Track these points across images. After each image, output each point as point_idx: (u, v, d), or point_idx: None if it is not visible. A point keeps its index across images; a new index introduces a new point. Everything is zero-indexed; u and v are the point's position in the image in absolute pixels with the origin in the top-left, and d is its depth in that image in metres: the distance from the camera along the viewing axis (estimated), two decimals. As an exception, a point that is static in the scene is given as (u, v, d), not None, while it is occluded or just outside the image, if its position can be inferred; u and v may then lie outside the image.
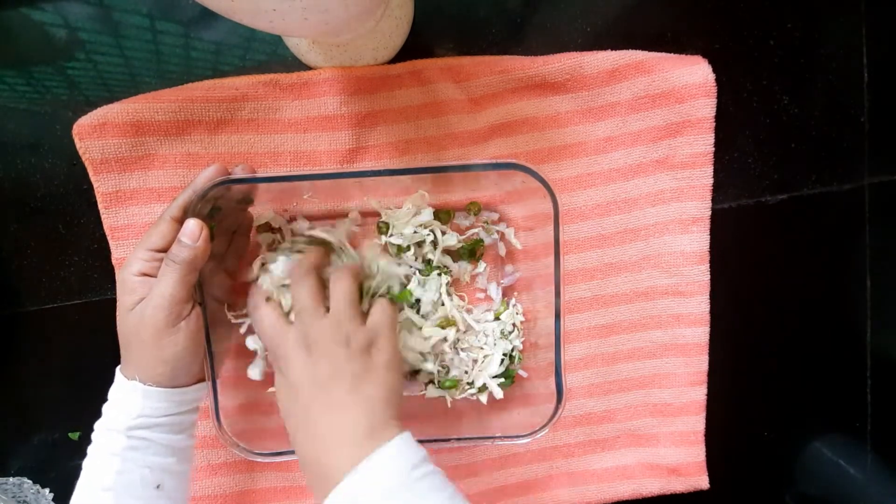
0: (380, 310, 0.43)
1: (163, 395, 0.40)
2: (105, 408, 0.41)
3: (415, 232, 0.49)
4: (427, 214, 0.49)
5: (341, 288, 0.41)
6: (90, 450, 0.40)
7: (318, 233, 0.46)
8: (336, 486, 0.35)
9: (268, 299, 0.44)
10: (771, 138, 0.54)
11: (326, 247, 0.46)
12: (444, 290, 0.49)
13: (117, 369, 0.42)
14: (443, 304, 0.49)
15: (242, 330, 0.48)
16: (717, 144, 0.52)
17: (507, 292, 0.53)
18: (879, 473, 0.60)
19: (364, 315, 0.42)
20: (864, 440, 0.60)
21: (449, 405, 0.51)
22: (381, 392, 0.39)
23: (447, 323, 0.49)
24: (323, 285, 0.43)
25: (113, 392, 0.41)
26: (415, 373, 0.50)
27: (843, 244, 0.57)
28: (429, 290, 0.49)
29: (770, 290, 0.57)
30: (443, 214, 0.51)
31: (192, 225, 0.40)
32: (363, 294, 0.44)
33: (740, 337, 0.56)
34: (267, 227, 0.50)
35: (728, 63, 0.52)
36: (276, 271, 0.44)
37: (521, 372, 0.52)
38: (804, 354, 0.58)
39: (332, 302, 0.41)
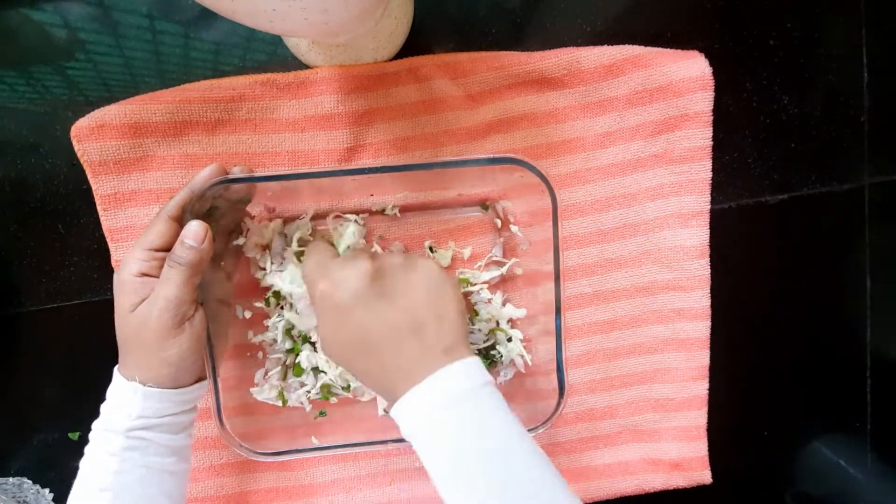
0: None
1: (163, 395, 0.40)
2: (103, 408, 0.41)
3: None
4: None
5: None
6: (88, 450, 0.40)
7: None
8: (409, 388, 0.37)
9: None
10: (771, 138, 0.54)
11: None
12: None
13: (115, 369, 0.41)
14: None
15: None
16: (716, 145, 0.52)
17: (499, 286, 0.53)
18: (879, 473, 0.60)
19: None
20: (864, 440, 0.60)
21: None
22: (449, 312, 0.40)
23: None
24: None
25: (111, 392, 0.41)
26: None
27: (843, 244, 0.57)
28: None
29: (770, 291, 0.57)
30: None
31: (196, 226, 0.40)
32: None
33: (740, 337, 0.56)
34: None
35: (728, 63, 0.51)
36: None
37: (520, 368, 0.52)
38: (804, 354, 0.58)
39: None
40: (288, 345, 0.50)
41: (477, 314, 0.52)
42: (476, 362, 0.38)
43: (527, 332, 0.52)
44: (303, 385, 0.51)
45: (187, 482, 0.44)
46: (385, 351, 0.38)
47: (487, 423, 0.37)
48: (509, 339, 0.52)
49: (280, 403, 0.50)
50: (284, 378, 0.51)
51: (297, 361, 0.50)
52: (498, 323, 0.52)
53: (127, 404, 0.40)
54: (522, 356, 0.51)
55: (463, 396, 0.37)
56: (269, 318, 0.50)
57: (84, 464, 0.40)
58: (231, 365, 0.50)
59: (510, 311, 0.52)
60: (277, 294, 0.50)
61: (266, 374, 0.51)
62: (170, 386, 0.40)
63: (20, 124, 0.49)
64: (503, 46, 0.50)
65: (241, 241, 0.48)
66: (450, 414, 0.36)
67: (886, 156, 0.55)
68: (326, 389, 0.50)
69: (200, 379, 0.43)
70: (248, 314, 0.50)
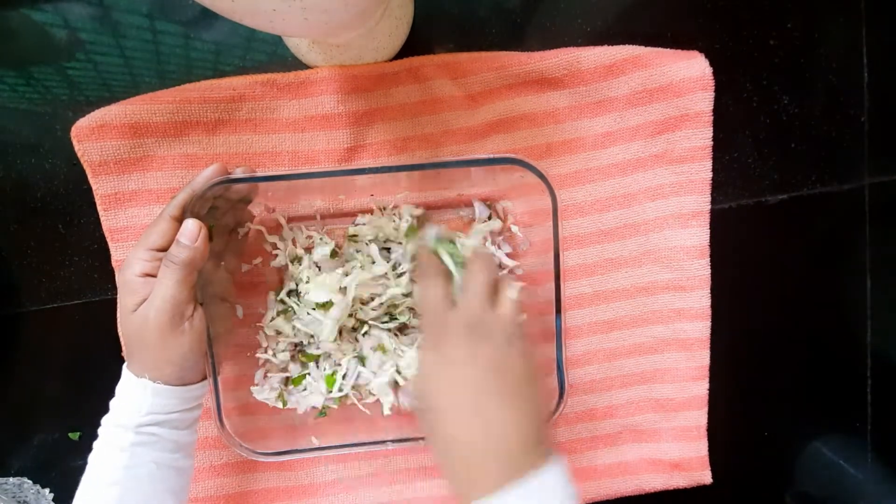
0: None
1: (171, 392, 0.40)
2: (112, 403, 0.41)
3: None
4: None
5: (512, 288, 0.40)
6: (96, 444, 0.40)
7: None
8: (487, 495, 0.33)
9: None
10: (771, 138, 0.54)
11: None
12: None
13: (124, 366, 0.42)
14: None
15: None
16: (716, 144, 0.52)
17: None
18: (879, 473, 0.60)
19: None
20: (864, 440, 0.60)
21: None
22: (538, 398, 0.38)
23: None
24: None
25: (121, 388, 0.41)
26: None
27: (843, 244, 0.57)
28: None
29: (770, 291, 0.57)
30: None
31: (191, 225, 0.40)
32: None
33: (740, 338, 0.56)
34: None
35: (728, 63, 0.51)
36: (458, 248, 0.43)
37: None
38: (804, 354, 0.58)
39: (506, 301, 0.40)
40: (295, 369, 0.50)
41: None
42: (560, 473, 0.35)
43: (527, 333, 0.52)
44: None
45: (190, 479, 0.44)
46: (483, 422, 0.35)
47: None
48: None
49: (280, 405, 0.50)
50: (286, 384, 0.51)
51: (302, 374, 0.50)
52: None
53: (137, 400, 0.40)
54: None
55: None
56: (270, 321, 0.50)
57: (93, 458, 0.40)
58: (231, 365, 0.50)
59: None
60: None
61: (266, 374, 0.51)
62: (176, 383, 0.41)
63: (20, 124, 0.49)
64: (503, 46, 0.50)
65: (279, 259, 0.47)
66: None
67: (886, 156, 0.55)
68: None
69: (206, 377, 0.43)
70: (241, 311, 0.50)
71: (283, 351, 0.50)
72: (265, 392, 0.50)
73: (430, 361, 0.39)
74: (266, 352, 0.50)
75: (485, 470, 0.35)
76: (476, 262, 0.41)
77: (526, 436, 0.36)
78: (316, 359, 0.50)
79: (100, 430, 0.41)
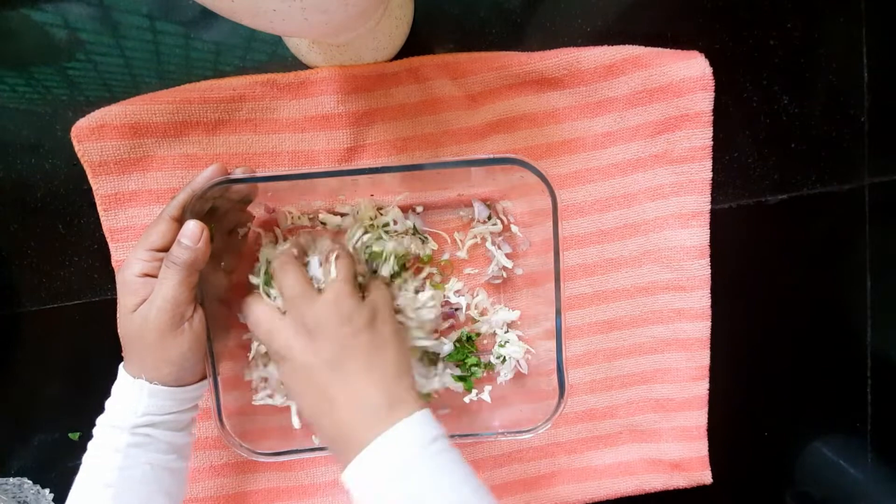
0: (376, 286, 0.44)
1: (167, 393, 0.40)
2: (108, 403, 0.41)
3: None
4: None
5: (341, 266, 0.42)
6: (91, 445, 0.40)
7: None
8: (355, 457, 0.36)
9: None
10: (771, 138, 0.54)
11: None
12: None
13: (120, 366, 0.42)
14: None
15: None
16: (716, 144, 0.52)
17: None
18: (879, 473, 0.60)
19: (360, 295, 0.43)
20: (864, 440, 0.60)
21: (467, 401, 0.52)
22: (394, 363, 0.40)
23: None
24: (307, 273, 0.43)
25: (116, 388, 0.41)
26: (432, 362, 0.51)
27: (843, 244, 0.57)
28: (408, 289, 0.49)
29: (770, 291, 0.57)
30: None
31: (193, 226, 0.40)
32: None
33: (740, 338, 0.56)
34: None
35: (728, 63, 0.52)
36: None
37: (522, 369, 0.52)
38: (804, 354, 0.58)
39: (331, 282, 0.41)
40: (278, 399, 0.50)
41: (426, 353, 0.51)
42: (420, 418, 0.38)
43: (527, 333, 0.52)
44: None
45: (186, 481, 0.44)
46: (336, 402, 0.39)
47: (438, 488, 0.36)
48: (502, 345, 0.52)
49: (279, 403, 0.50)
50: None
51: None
52: (477, 336, 0.53)
53: (133, 401, 0.40)
54: (518, 361, 0.51)
55: (409, 464, 0.36)
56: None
57: (87, 459, 0.40)
58: (231, 365, 0.50)
59: (504, 314, 0.52)
60: None
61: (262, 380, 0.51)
62: (173, 384, 0.41)
63: (20, 124, 0.49)
64: (503, 46, 0.50)
65: (281, 245, 0.46)
66: (396, 487, 0.36)
67: (886, 156, 0.55)
68: None
69: (203, 377, 0.43)
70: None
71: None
72: (265, 400, 0.50)
73: (284, 377, 0.42)
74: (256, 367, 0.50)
75: (353, 437, 0.38)
76: (275, 268, 0.43)
77: (382, 397, 0.38)
78: None
79: (95, 431, 0.41)
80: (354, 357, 0.39)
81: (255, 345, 0.50)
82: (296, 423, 0.50)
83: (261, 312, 0.42)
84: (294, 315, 0.41)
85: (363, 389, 0.39)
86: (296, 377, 0.40)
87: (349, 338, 0.40)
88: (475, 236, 0.52)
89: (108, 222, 0.49)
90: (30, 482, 0.52)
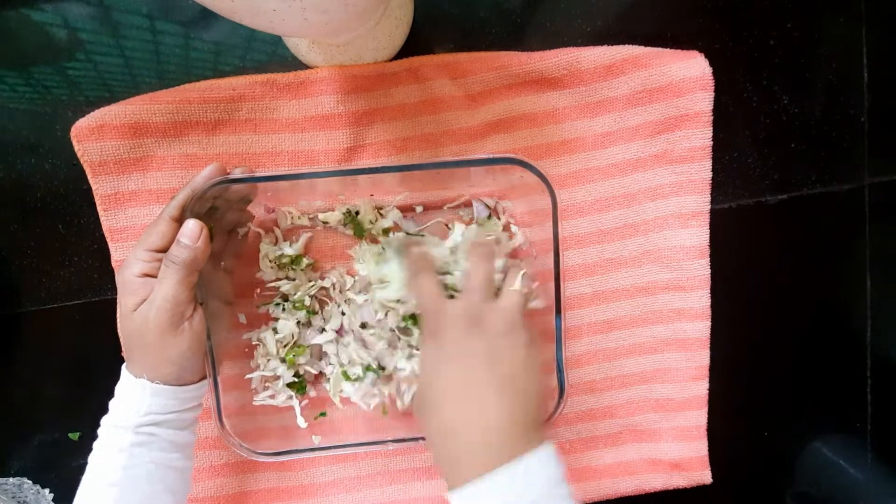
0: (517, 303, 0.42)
1: (170, 392, 0.41)
2: (112, 404, 0.41)
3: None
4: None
5: (515, 278, 0.42)
6: (96, 445, 0.41)
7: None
8: (474, 479, 0.35)
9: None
10: (771, 138, 0.54)
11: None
12: None
13: (123, 366, 0.42)
14: None
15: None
16: (716, 144, 0.52)
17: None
18: (879, 473, 0.60)
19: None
20: (864, 440, 0.60)
21: None
22: (533, 389, 0.39)
23: None
24: None
25: (120, 388, 0.41)
26: None
27: (843, 244, 0.57)
28: None
29: (770, 291, 0.57)
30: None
31: (192, 225, 0.40)
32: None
33: (740, 338, 0.56)
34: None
35: (728, 63, 0.51)
36: (439, 251, 0.45)
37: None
38: (804, 354, 0.58)
39: (510, 292, 0.41)
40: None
41: None
42: (550, 455, 0.36)
43: (531, 322, 0.52)
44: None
45: (190, 480, 0.44)
46: (468, 413, 0.37)
47: None
48: None
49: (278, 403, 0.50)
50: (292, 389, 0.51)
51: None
52: None
53: (136, 401, 0.40)
54: None
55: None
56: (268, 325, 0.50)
57: (92, 459, 0.40)
58: (231, 365, 0.50)
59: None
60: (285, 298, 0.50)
61: (264, 382, 0.51)
62: (174, 384, 0.41)
63: (20, 124, 0.49)
64: (503, 46, 0.50)
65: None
66: None
67: (886, 156, 0.55)
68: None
69: (204, 377, 0.44)
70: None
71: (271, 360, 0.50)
72: (265, 400, 0.50)
73: (426, 354, 0.41)
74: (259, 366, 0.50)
75: (472, 457, 0.36)
76: (475, 254, 0.43)
77: (514, 424, 0.37)
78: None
79: (99, 431, 0.41)
80: (500, 364, 0.38)
81: (260, 345, 0.50)
82: (301, 422, 0.50)
83: (427, 283, 0.42)
84: (466, 303, 0.41)
85: (501, 400, 0.37)
86: (435, 359, 0.40)
87: (504, 349, 0.39)
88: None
89: (107, 222, 0.49)
90: (30, 482, 0.52)
